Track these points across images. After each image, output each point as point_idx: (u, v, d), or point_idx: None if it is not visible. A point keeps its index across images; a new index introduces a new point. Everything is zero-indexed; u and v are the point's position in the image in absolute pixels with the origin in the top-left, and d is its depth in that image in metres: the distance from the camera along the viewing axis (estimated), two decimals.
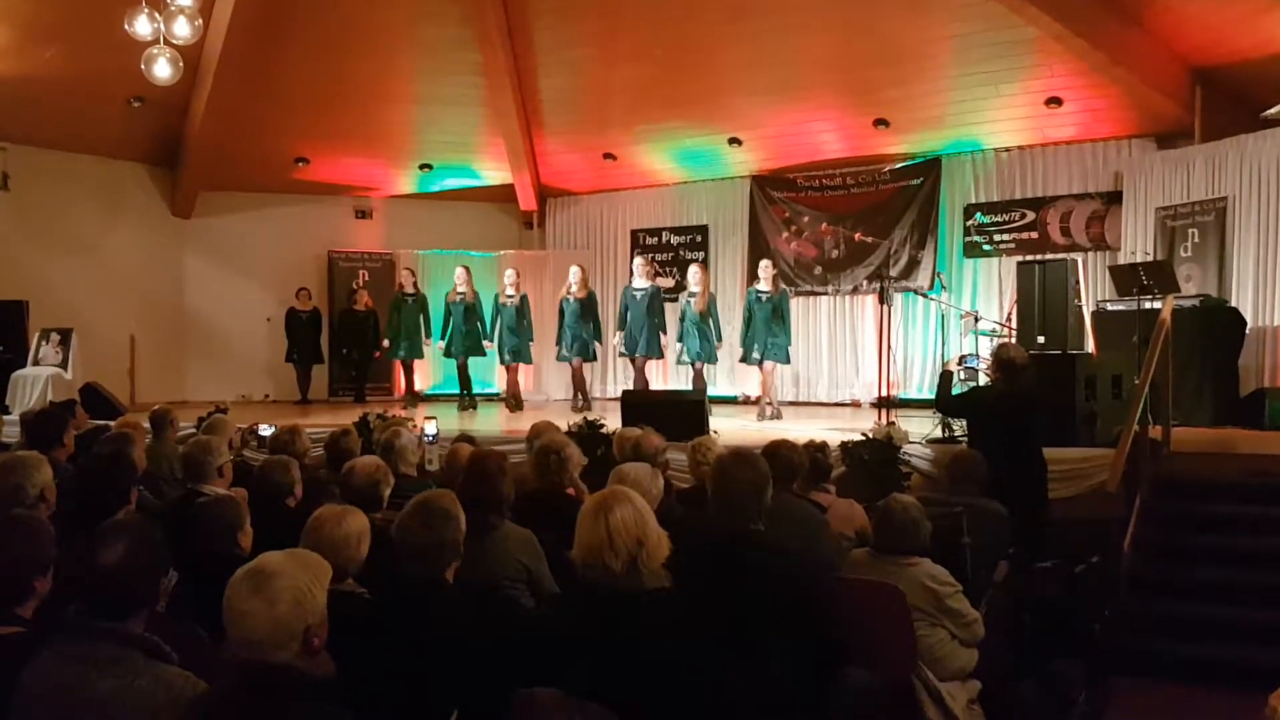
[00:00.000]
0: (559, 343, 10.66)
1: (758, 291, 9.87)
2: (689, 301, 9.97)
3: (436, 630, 2.72)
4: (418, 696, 2.58)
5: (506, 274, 11.01)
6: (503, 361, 11.01)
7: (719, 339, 10.04)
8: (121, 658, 2.20)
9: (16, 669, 2.23)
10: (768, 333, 9.65)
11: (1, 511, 3.27)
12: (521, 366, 11.12)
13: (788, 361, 10.06)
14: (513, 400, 10.93)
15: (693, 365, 9.97)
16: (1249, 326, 8.40)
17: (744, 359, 10.01)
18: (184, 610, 3.05)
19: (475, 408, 10.97)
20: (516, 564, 3.65)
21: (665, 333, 10.23)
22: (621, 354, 10.43)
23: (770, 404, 9.86)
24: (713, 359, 10.11)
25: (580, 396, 10.66)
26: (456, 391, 11.25)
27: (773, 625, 3.03)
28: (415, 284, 11.73)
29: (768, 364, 9.81)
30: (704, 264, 11.16)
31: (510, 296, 10.78)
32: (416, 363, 11.98)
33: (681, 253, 12.62)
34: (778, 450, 4.34)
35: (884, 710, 3.49)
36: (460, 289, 10.95)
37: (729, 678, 2.75)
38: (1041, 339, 7.58)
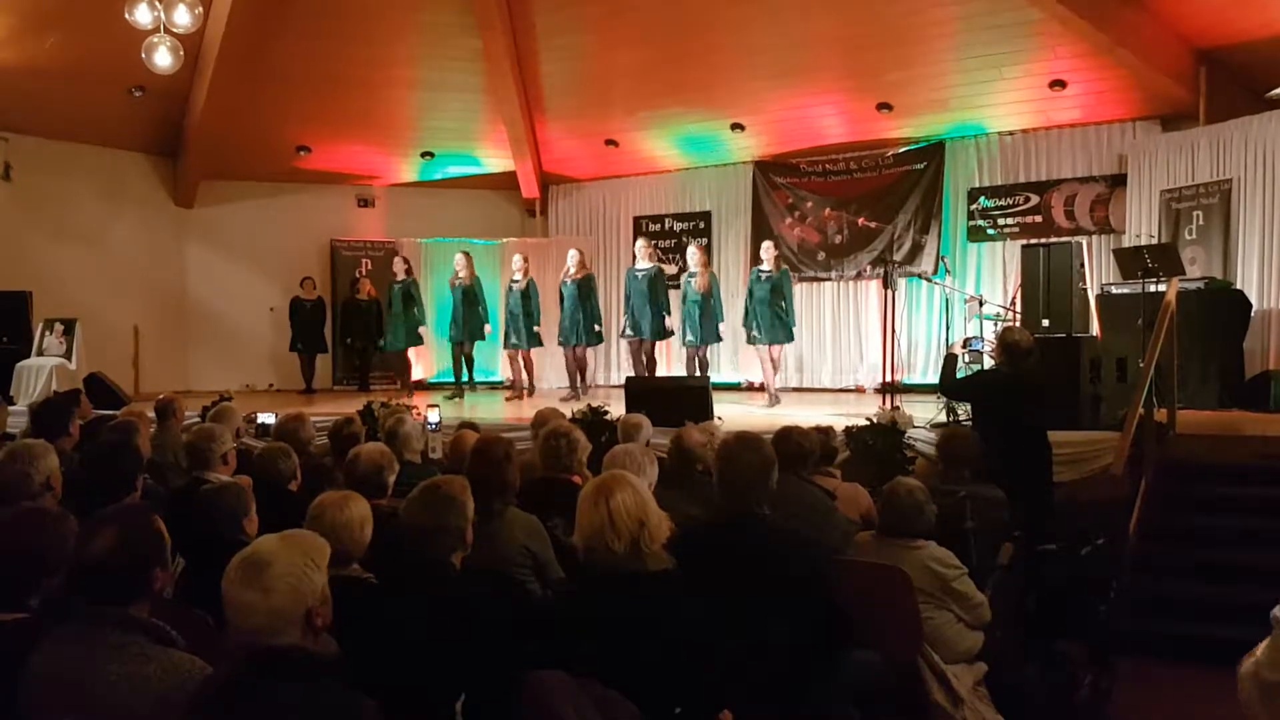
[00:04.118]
0: (560, 328, 10.63)
1: (759, 271, 9.89)
2: (689, 282, 9.96)
3: (442, 613, 2.72)
4: (424, 680, 2.59)
5: (514, 259, 10.96)
6: (506, 346, 10.99)
7: (721, 319, 10.02)
8: (127, 643, 2.20)
9: (24, 654, 2.24)
10: (769, 313, 9.65)
11: (9, 500, 3.29)
12: (532, 352, 11.08)
13: (790, 340, 10.01)
14: (520, 387, 10.89)
15: (693, 348, 9.93)
16: (1254, 309, 8.38)
17: (747, 339, 10.04)
18: (190, 596, 3.06)
19: (462, 396, 10.86)
20: (522, 549, 3.65)
21: (669, 314, 10.19)
22: (626, 336, 10.38)
23: (766, 390, 9.87)
24: (715, 339, 10.09)
25: (580, 382, 10.62)
26: (452, 380, 11.21)
27: (776, 607, 3.03)
28: (406, 271, 11.70)
29: (774, 349, 9.82)
30: (704, 245, 11.13)
31: (516, 281, 10.75)
32: (419, 349, 11.97)
33: (685, 239, 12.58)
34: (789, 436, 4.35)
35: (889, 692, 3.50)
36: (460, 274, 10.92)
37: (732, 659, 2.76)
38: (1046, 322, 7.55)
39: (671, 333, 10.35)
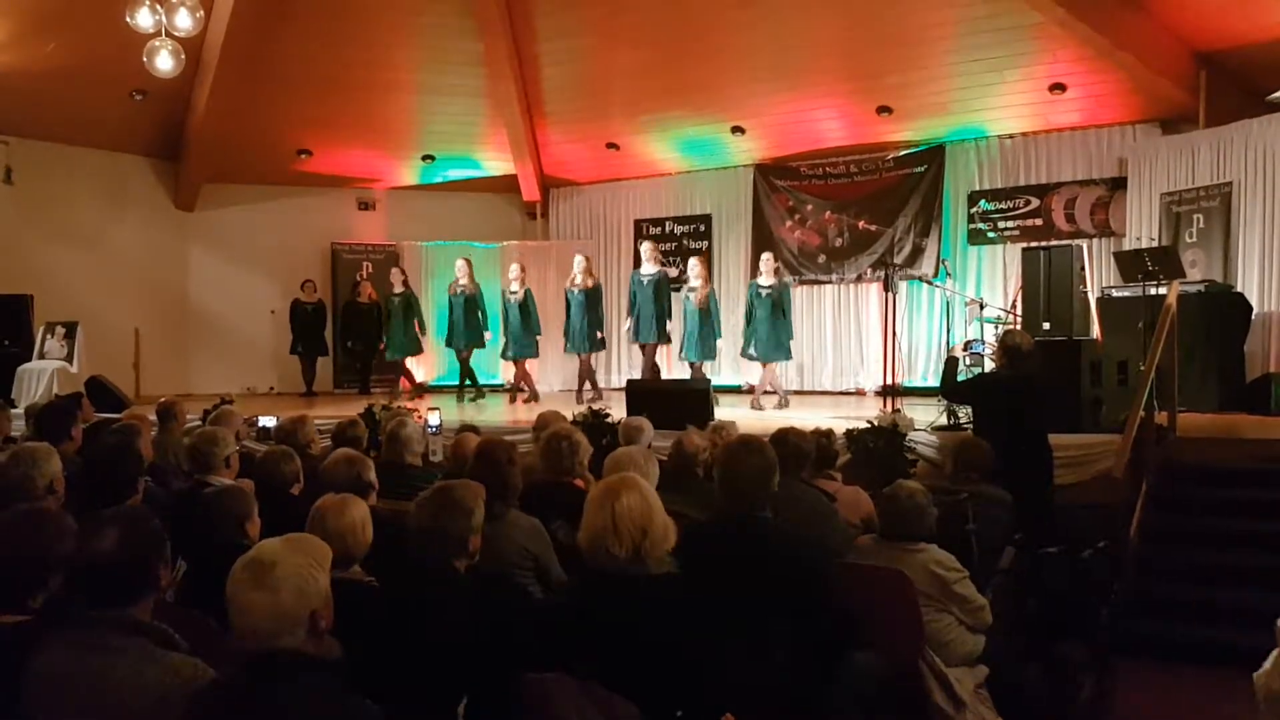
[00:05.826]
0: (566, 334, 10.63)
1: (759, 286, 9.82)
2: (689, 296, 9.95)
3: (443, 616, 2.72)
4: (426, 683, 2.59)
5: (511, 268, 10.95)
6: (504, 357, 10.98)
7: (718, 335, 10.02)
8: (130, 646, 2.20)
9: (27, 656, 2.24)
10: (770, 331, 9.62)
11: (12, 503, 3.28)
12: (529, 360, 11.07)
13: (788, 358, 10.06)
14: (525, 392, 10.87)
15: (691, 365, 9.95)
16: (1255, 312, 8.39)
17: (743, 353, 10.01)
18: (192, 599, 3.06)
19: (481, 398, 10.94)
20: (523, 552, 3.65)
21: (670, 319, 10.17)
22: (632, 341, 10.38)
23: (775, 392, 9.89)
24: (712, 355, 10.11)
25: (591, 387, 10.61)
26: (457, 384, 11.23)
27: (778, 609, 3.03)
28: (404, 282, 11.70)
29: (771, 366, 9.83)
30: (704, 256, 11.11)
31: (514, 292, 10.74)
32: (418, 356, 12.00)
33: (685, 242, 12.61)
34: (786, 438, 4.34)
35: (891, 695, 3.50)
36: (461, 281, 10.92)
37: (734, 662, 2.76)
38: (1047, 325, 7.56)
39: (670, 339, 10.33)
